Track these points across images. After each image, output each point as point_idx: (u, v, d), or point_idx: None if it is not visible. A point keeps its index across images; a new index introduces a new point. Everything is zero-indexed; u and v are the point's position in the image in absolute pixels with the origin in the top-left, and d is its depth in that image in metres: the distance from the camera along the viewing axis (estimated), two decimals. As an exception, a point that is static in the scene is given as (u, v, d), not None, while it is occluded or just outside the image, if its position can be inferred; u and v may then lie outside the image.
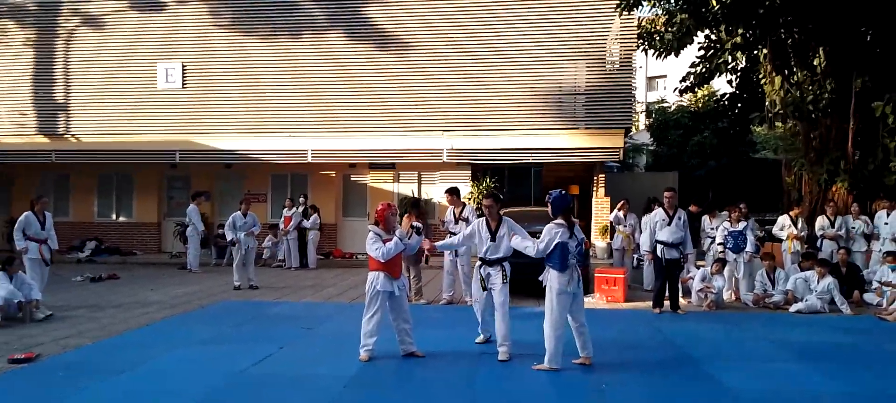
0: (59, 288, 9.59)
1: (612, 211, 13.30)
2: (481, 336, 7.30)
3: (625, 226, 12.37)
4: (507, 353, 6.54)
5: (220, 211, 17.63)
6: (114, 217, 18.20)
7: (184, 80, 16.52)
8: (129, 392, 5.38)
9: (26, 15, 17.08)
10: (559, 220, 6.09)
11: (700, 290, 9.60)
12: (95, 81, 16.79)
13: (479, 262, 7.11)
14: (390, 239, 6.28)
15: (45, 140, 16.92)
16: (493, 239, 6.91)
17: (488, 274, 6.94)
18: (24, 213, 9.47)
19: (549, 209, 6.24)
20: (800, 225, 11.22)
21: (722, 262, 9.88)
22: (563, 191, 6.36)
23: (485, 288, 6.91)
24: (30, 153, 16.90)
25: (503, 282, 6.83)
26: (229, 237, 11.65)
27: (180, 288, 11.53)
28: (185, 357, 6.52)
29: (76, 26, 16.92)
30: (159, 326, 8.15)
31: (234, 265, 11.50)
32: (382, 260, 6.22)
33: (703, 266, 10.94)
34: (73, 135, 16.86)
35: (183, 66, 16.51)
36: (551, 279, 6.04)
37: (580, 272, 6.21)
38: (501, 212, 7.09)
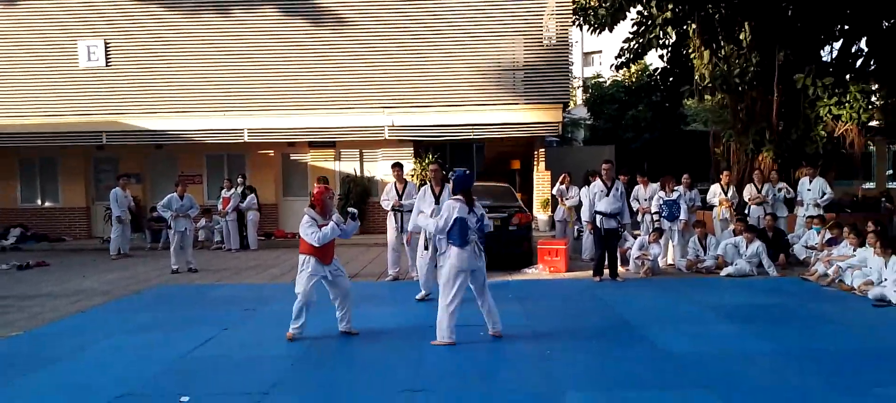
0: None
1: (553, 184, 13.55)
2: (423, 293, 7.94)
3: (567, 198, 12.63)
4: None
5: (152, 193, 17.03)
6: (39, 202, 17.32)
7: (107, 59, 15.77)
8: (67, 381, 5.18)
9: (-69, -12, 15.89)
10: (458, 196, 6.10)
11: (637, 258, 9.95)
12: (12, 60, 15.83)
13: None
14: (326, 224, 6.13)
15: (-42, 122, 15.88)
16: (436, 201, 7.75)
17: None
18: None
19: (450, 186, 6.24)
20: (730, 193, 11.73)
21: (659, 231, 10.26)
22: (468, 170, 6.49)
23: (426, 248, 7.65)
24: (-59, 137, 15.85)
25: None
26: (167, 216, 11.28)
27: (114, 273, 11.13)
28: (123, 344, 6.32)
29: (-12, 1, 15.86)
30: (94, 313, 7.85)
31: (172, 248, 11.17)
32: (317, 245, 6.07)
33: (638, 235, 11.34)
34: (-11, 118, 15.89)
35: (105, 44, 15.75)
36: (452, 256, 6.00)
37: (482, 248, 6.18)
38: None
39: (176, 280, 10.40)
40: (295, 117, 15.49)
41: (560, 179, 12.93)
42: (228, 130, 15.54)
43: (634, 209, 11.83)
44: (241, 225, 14.60)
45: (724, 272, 9.68)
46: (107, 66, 15.75)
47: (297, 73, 15.56)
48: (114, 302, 8.50)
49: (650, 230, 10.54)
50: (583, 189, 11.87)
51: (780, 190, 11.72)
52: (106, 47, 15.74)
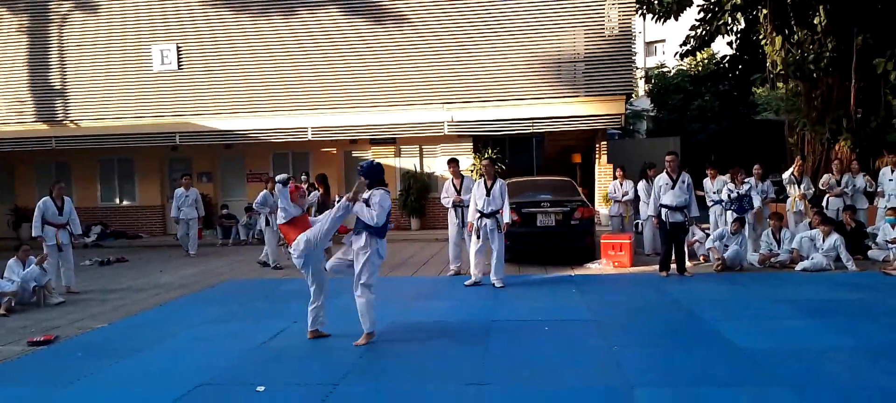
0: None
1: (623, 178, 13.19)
2: (472, 279, 8.70)
3: (620, 195, 12.17)
4: (501, 282, 8.44)
5: (222, 191, 17.68)
6: (117, 201, 18.24)
7: (180, 62, 16.42)
8: (150, 370, 5.45)
9: (18, 0, 16.92)
10: (385, 188, 6.07)
11: (709, 249, 9.62)
12: (91, 66, 16.69)
13: (477, 214, 8.50)
14: (300, 216, 6.15)
15: (45, 126, 16.87)
16: (488, 194, 8.48)
17: (485, 224, 8.46)
18: (42, 199, 9.49)
19: (364, 180, 6.09)
20: (804, 184, 11.20)
21: (740, 221, 9.84)
22: (376, 161, 6.39)
23: (479, 237, 8.50)
24: (30, 140, 16.87)
25: (499, 231, 8.50)
26: (264, 213, 11.56)
27: (189, 268, 11.61)
28: (200, 335, 6.60)
29: (69, 10, 16.77)
30: (172, 306, 8.22)
31: (274, 245, 11.38)
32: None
33: (706, 228, 11.01)
34: (72, 121, 16.82)
35: (178, 48, 16.40)
36: (382, 247, 6.06)
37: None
38: (498, 177, 8.68)
39: (246, 274, 10.76)
40: (356, 114, 15.76)
41: (614, 175, 12.52)
42: (293, 129, 15.94)
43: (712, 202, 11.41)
44: (306, 221, 14.95)
45: (799, 266, 9.29)
46: (179, 68, 16.41)
47: (359, 71, 15.81)
48: (190, 296, 8.88)
49: (726, 220, 10.18)
50: (640, 182, 11.60)
51: (858, 179, 11.13)
52: (178, 51, 16.39)
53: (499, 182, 8.59)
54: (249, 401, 4.64)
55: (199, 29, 16.32)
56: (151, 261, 12.81)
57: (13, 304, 7.98)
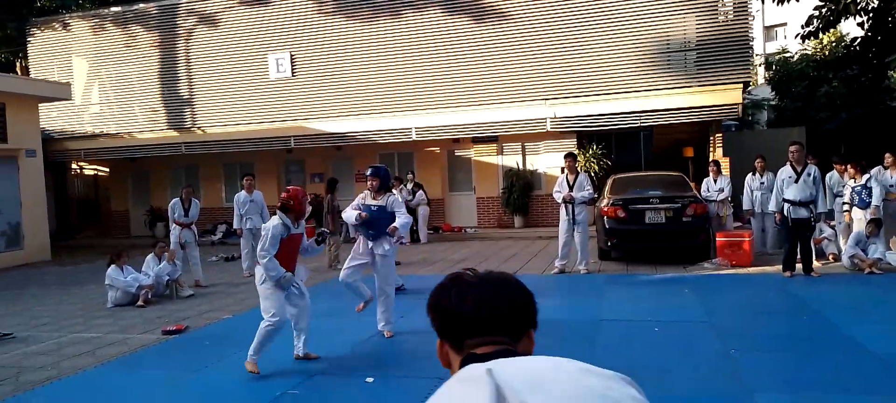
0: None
1: (731, 171, 12.45)
2: (558, 267, 9.62)
3: (715, 193, 11.11)
4: (586, 269, 9.48)
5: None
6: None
7: (293, 69, 17.27)
8: (268, 358, 5.75)
9: (150, 19, 18.46)
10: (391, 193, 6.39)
11: (852, 256, 8.77)
12: (215, 76, 17.92)
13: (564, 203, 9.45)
14: (296, 234, 5.63)
15: (176, 134, 18.31)
16: (570, 188, 9.40)
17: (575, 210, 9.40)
18: (173, 200, 10.42)
19: (376, 182, 6.37)
20: None
21: (877, 223, 8.96)
22: (383, 166, 6.65)
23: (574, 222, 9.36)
24: (163, 146, 18.37)
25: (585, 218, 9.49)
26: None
27: (307, 263, 12.14)
28: (313, 327, 6.85)
29: (193, 26, 18.08)
30: (288, 300, 8.65)
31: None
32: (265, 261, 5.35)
33: (834, 225, 10.17)
34: (199, 128, 18.14)
35: (291, 56, 17.25)
36: (396, 252, 6.52)
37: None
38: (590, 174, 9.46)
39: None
40: (459, 114, 15.89)
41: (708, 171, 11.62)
42: (398, 129, 16.33)
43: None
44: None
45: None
46: (292, 76, 17.27)
47: (461, 70, 15.94)
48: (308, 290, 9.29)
49: (853, 217, 9.34)
50: (748, 176, 10.88)
51: None
52: (292, 59, 17.26)
53: (580, 175, 9.28)
54: (360, 390, 4.82)
55: (310, 38, 17.10)
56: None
57: (150, 296, 8.72)
